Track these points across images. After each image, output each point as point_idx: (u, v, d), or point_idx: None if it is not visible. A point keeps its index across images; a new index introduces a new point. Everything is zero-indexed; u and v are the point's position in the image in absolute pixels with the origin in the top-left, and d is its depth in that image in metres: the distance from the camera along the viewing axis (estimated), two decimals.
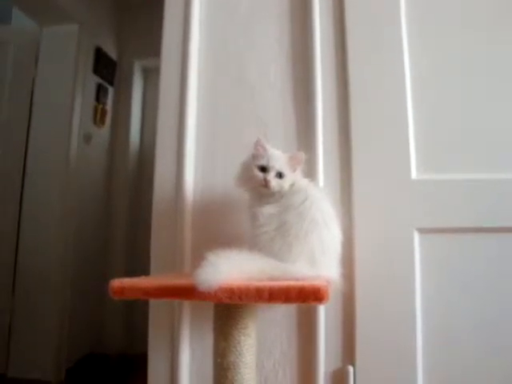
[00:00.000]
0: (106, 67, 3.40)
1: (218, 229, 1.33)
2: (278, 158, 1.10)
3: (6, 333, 2.77)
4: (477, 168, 1.29)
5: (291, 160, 1.12)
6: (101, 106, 3.33)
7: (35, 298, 2.78)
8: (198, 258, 0.91)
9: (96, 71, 3.26)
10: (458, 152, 1.31)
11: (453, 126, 1.33)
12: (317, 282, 0.88)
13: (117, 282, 0.95)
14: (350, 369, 1.24)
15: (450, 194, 1.27)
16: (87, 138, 3.15)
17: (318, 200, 1.05)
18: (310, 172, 1.29)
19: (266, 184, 1.07)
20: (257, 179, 1.09)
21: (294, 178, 1.11)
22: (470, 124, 1.32)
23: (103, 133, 3.42)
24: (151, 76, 3.74)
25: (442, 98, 1.34)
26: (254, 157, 1.12)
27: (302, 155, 1.13)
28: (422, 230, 1.27)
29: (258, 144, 1.12)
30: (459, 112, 1.33)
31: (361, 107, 1.34)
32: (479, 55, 1.35)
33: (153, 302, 1.38)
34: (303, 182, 1.13)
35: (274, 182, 1.07)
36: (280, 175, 1.08)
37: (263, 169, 1.09)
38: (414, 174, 1.30)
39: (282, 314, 1.31)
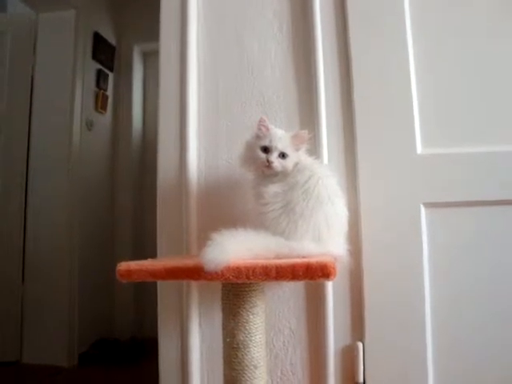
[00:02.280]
0: (104, 52, 3.36)
1: (223, 210, 1.33)
2: (280, 137, 1.09)
3: (18, 320, 2.81)
4: (483, 141, 1.27)
5: (294, 139, 1.10)
6: (101, 92, 3.31)
7: (45, 286, 2.81)
8: (204, 240, 0.91)
9: (95, 57, 3.24)
10: (463, 126, 1.29)
11: (457, 100, 1.31)
12: (323, 259, 0.88)
13: (123, 265, 0.95)
14: (360, 345, 1.25)
15: (455, 168, 1.26)
16: (89, 125, 3.15)
17: (323, 177, 1.05)
18: (314, 149, 1.28)
19: (268, 165, 1.06)
20: (260, 160, 1.08)
21: (298, 157, 1.10)
22: (475, 97, 1.30)
23: (105, 119, 3.41)
24: (151, 60, 3.70)
25: (446, 70, 1.32)
26: (257, 137, 1.11)
27: (306, 134, 1.12)
28: (428, 205, 1.26)
29: (260, 124, 1.11)
30: (463, 86, 1.31)
31: (364, 83, 1.32)
32: (483, 28, 1.32)
33: (161, 285, 1.39)
34: (308, 161, 1.12)
35: (276, 162, 1.06)
36: (283, 155, 1.07)
37: (266, 149, 1.08)
38: (419, 149, 1.29)
39: (290, 292, 1.32)
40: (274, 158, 1.06)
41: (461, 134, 1.29)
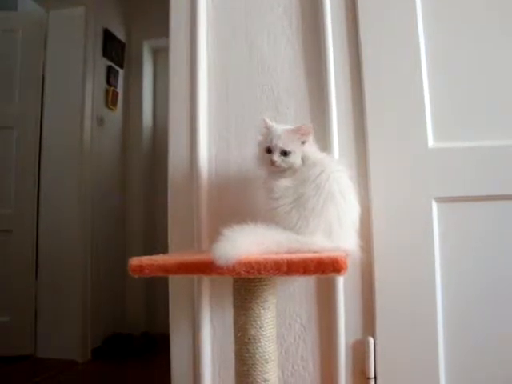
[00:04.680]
0: (114, 49, 3.38)
1: (234, 204, 1.34)
2: (279, 135, 1.08)
3: (32, 316, 2.86)
4: (495, 135, 1.26)
5: (296, 133, 1.09)
6: (112, 89, 3.32)
7: (58, 282, 2.85)
8: (216, 235, 0.91)
9: (105, 54, 3.25)
10: (475, 119, 1.28)
11: (469, 94, 1.29)
12: (335, 254, 0.88)
13: (135, 260, 0.96)
14: (370, 340, 1.25)
15: (467, 163, 1.24)
16: (100, 121, 3.17)
17: (335, 172, 1.05)
18: (325, 144, 1.27)
19: (272, 164, 1.07)
20: (266, 160, 1.09)
21: (304, 150, 1.09)
22: (487, 91, 1.28)
23: (115, 115, 3.43)
24: (161, 56, 3.72)
25: (459, 63, 1.30)
26: (263, 138, 1.14)
27: (308, 126, 1.11)
28: (439, 200, 1.25)
29: (262, 126, 1.14)
30: (475, 79, 1.29)
31: (374, 76, 1.31)
32: (494, 21, 1.30)
33: (172, 280, 1.40)
34: (320, 156, 1.12)
35: (279, 161, 1.07)
36: (285, 153, 1.07)
37: (269, 149, 1.09)
38: (430, 143, 1.27)
39: (302, 287, 1.32)
40: (276, 157, 1.07)
41: (473, 127, 1.27)
